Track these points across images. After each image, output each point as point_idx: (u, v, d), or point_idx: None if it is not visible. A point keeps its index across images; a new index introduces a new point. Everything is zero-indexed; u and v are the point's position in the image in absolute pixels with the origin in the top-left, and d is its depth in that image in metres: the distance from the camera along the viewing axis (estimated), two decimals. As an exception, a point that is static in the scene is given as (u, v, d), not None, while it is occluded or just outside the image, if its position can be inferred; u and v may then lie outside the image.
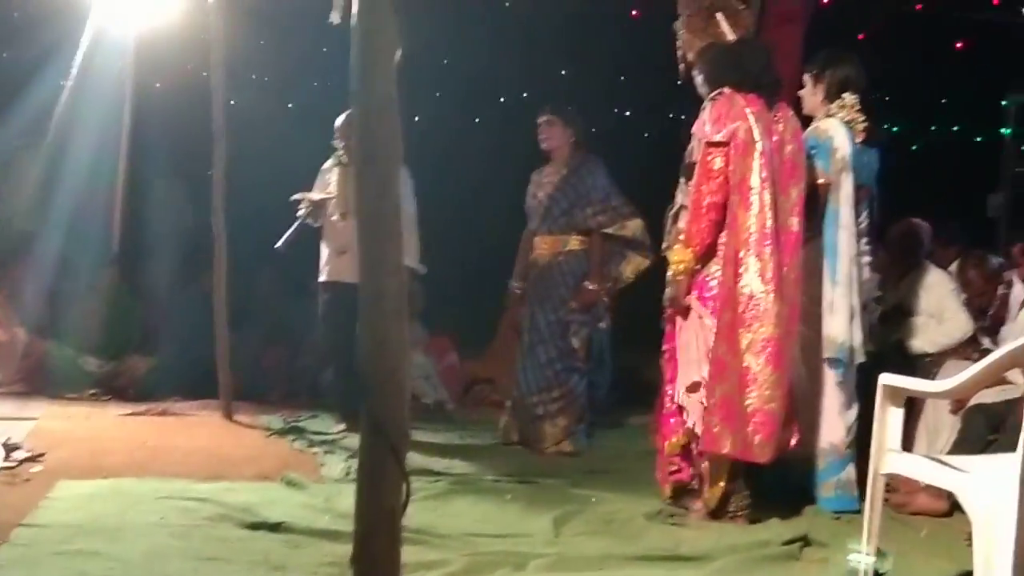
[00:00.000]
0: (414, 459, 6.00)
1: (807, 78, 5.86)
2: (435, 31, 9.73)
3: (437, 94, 11.09)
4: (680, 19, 5.57)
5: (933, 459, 4.30)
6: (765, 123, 5.12)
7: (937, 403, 5.71)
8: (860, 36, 10.42)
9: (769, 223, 5.02)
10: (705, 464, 5.16)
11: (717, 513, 5.16)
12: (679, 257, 5.15)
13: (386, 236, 2.82)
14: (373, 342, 2.80)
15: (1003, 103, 12.22)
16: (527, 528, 4.95)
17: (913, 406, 5.43)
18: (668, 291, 5.24)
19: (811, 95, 5.84)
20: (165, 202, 9.06)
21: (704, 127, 5.16)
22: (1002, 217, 11.57)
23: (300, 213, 7.12)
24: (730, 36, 5.44)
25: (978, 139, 12.79)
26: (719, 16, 5.46)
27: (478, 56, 10.43)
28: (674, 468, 5.34)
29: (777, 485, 5.35)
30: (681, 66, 5.57)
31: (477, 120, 11.61)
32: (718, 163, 5.07)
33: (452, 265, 8.64)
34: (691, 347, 5.19)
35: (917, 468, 4.25)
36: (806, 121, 5.68)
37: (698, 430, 5.13)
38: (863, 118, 5.70)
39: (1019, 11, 10.07)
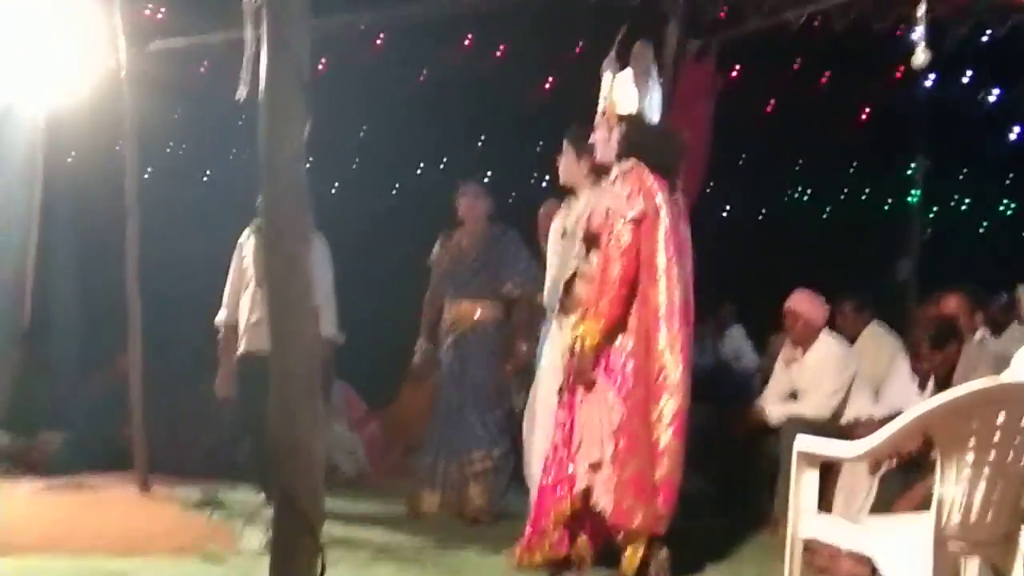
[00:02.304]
0: (333, 529, 5.91)
1: (571, 150, 5.95)
2: (354, 103, 9.80)
3: (355, 163, 11.14)
4: (612, 67, 5.55)
5: (849, 521, 4.35)
6: (669, 203, 5.24)
7: (853, 465, 5.78)
8: (770, 106, 10.67)
9: (677, 298, 5.14)
10: (621, 535, 5.16)
11: None
12: (589, 331, 5.16)
13: (296, 312, 2.80)
14: (284, 417, 2.78)
15: (909, 169, 12.54)
16: (448, 599, 4.92)
17: (830, 468, 5.49)
18: (576, 364, 5.24)
19: (575, 166, 5.93)
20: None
21: (619, 201, 5.19)
22: (911, 280, 11.81)
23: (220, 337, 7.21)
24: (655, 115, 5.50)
25: (886, 206, 13.09)
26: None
27: (396, 126, 10.50)
28: (555, 540, 5.34)
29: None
30: (603, 113, 5.53)
31: (395, 189, 11.65)
32: (630, 238, 5.14)
33: (370, 332, 8.63)
34: (594, 424, 5.20)
35: (834, 531, 4.29)
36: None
37: (605, 507, 5.15)
38: None
39: (921, 82, 10.36)
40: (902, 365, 6.15)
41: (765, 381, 7.67)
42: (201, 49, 7.52)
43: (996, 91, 10.42)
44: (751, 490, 6.88)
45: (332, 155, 10.11)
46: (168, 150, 10.30)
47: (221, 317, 7.24)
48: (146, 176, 7.89)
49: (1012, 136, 10.65)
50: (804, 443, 4.23)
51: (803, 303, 6.71)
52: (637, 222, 5.14)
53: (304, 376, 2.80)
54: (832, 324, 6.97)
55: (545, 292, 6.10)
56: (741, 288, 10.12)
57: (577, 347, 5.21)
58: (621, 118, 5.43)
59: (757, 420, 6.79)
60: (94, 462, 7.77)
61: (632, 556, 5.13)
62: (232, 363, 7.19)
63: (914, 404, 5.73)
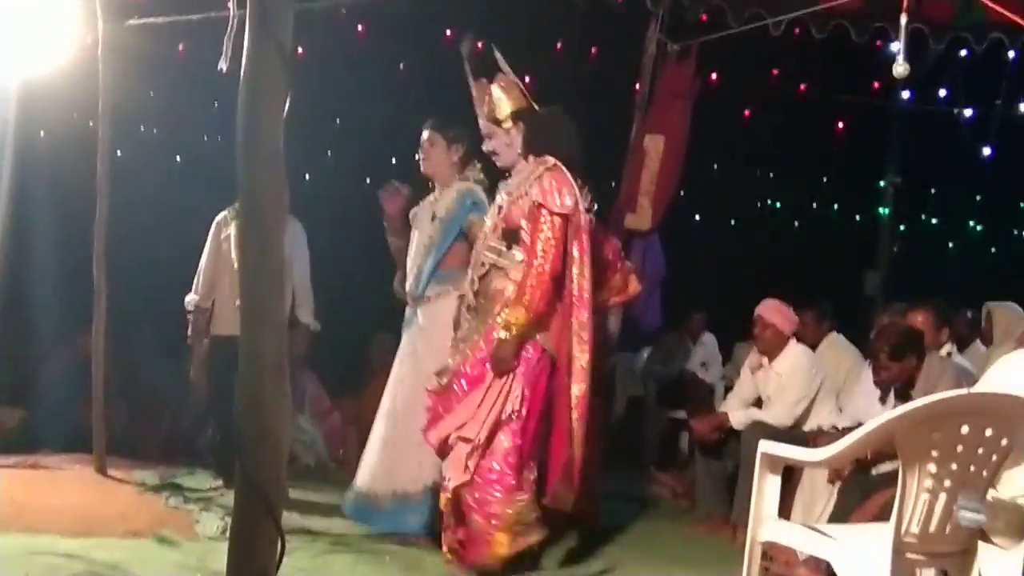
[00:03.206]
0: (291, 518, 5.91)
1: (440, 140, 6.02)
2: (330, 91, 9.75)
3: (328, 153, 11.09)
4: (472, 81, 5.64)
5: (809, 527, 4.36)
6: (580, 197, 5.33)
7: (814, 472, 5.81)
8: (746, 113, 10.69)
9: (587, 288, 5.23)
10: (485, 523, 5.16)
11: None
12: (517, 319, 5.14)
13: (269, 293, 2.76)
14: (250, 400, 2.74)
15: (880, 183, 12.60)
16: (405, 591, 4.90)
17: (789, 478, 5.51)
18: (498, 350, 5.19)
19: (444, 156, 6.02)
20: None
21: (551, 196, 5.20)
22: (878, 295, 11.86)
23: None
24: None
25: (856, 218, 13.15)
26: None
27: (372, 117, 10.45)
28: (447, 524, 5.36)
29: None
30: (492, 123, 5.55)
31: (368, 181, 11.60)
32: (559, 234, 5.20)
33: (339, 322, 8.60)
34: (470, 402, 5.23)
35: (794, 536, 4.31)
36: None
37: (452, 478, 5.20)
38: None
39: (897, 96, 10.42)
40: (865, 376, 6.17)
41: (730, 389, 7.68)
42: (180, 28, 7.43)
43: (969, 110, 10.45)
44: (710, 495, 6.91)
45: (306, 145, 10.06)
46: (142, 129, 10.20)
47: (192, 299, 7.16)
48: (118, 155, 7.78)
49: (984, 155, 10.68)
50: (768, 447, 4.25)
51: (773, 311, 6.73)
52: (565, 217, 5.19)
53: (274, 358, 2.77)
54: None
55: (410, 278, 6.03)
56: (710, 296, 10.13)
57: (502, 334, 5.16)
58: (516, 118, 5.47)
59: (719, 425, 6.81)
60: (51, 441, 7.69)
61: (500, 545, 5.14)
62: (205, 346, 7.14)
63: (875, 416, 5.77)
